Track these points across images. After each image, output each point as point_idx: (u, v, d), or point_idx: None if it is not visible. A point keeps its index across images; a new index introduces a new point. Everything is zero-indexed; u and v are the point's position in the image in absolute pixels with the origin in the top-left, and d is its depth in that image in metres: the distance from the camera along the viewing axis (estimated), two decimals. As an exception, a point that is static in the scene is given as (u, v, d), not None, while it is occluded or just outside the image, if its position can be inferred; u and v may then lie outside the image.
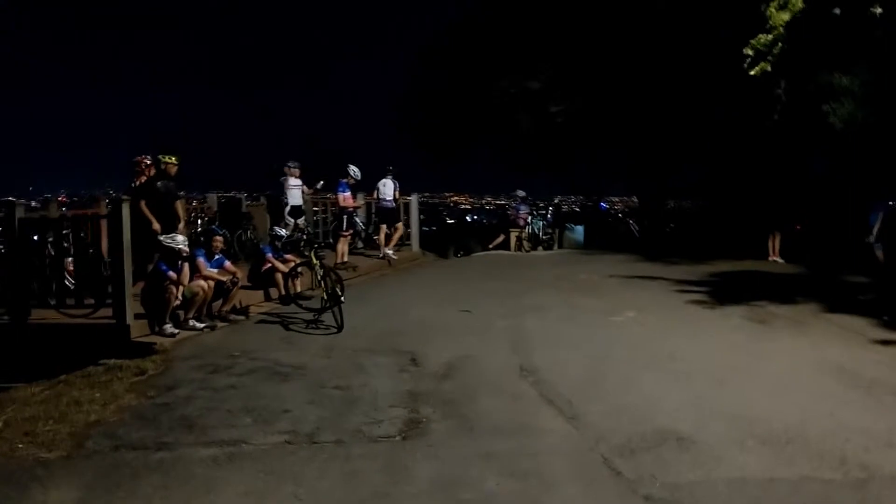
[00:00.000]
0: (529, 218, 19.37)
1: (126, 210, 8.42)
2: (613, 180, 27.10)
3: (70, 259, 9.60)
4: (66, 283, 9.38)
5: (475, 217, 48.88)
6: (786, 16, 10.57)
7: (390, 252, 15.60)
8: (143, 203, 9.58)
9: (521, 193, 19.53)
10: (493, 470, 4.79)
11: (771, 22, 10.65)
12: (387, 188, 15.42)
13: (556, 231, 20.81)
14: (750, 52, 11.14)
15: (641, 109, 19.97)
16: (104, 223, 9.11)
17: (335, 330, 8.97)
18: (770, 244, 16.18)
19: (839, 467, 4.78)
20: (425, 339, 8.60)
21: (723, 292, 11.75)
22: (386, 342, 8.49)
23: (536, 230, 19.47)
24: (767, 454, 4.99)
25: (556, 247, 20.30)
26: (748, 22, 11.43)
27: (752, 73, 11.22)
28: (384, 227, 15.72)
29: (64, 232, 9.48)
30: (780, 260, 16.02)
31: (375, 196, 15.75)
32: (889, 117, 12.68)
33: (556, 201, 31.09)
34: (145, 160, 10.66)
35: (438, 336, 8.77)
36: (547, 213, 22.31)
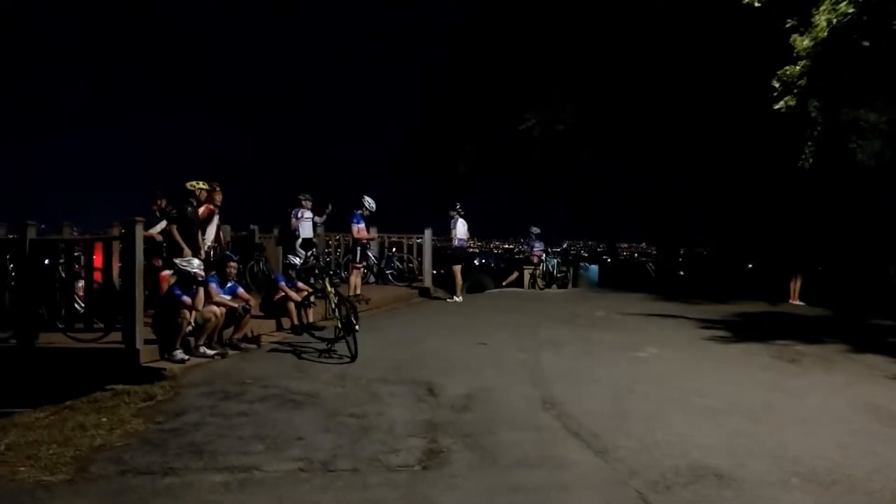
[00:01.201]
0: (544, 255, 19.12)
1: (139, 231, 8.24)
2: (630, 225, 27.08)
3: (81, 283, 9.42)
4: (76, 306, 9.17)
5: (483, 261, 48.40)
6: (808, 41, 10.38)
7: (459, 298, 15.59)
8: (175, 228, 9.58)
9: (535, 230, 19.30)
10: (521, 502, 4.49)
11: (796, 49, 10.47)
12: (462, 227, 15.43)
13: (571, 270, 20.57)
14: (776, 85, 10.98)
15: (665, 152, 19.90)
16: (116, 246, 8.92)
17: (349, 359, 8.71)
18: (791, 286, 15.88)
19: (891, 508, 4.47)
20: (442, 370, 8.33)
21: (746, 332, 11.48)
22: (401, 372, 8.22)
23: (551, 268, 19.20)
24: (814, 493, 4.68)
25: (570, 285, 20.04)
26: (775, 54, 11.24)
27: (776, 107, 11.05)
28: (457, 268, 15.68)
29: (75, 254, 9.29)
30: (800, 303, 15.72)
31: (452, 234, 15.63)
32: None
33: (564, 245, 30.94)
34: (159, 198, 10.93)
35: (455, 368, 8.50)
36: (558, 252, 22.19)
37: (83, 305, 9.26)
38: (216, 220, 11.06)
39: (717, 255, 21.67)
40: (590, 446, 5.62)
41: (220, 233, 11.34)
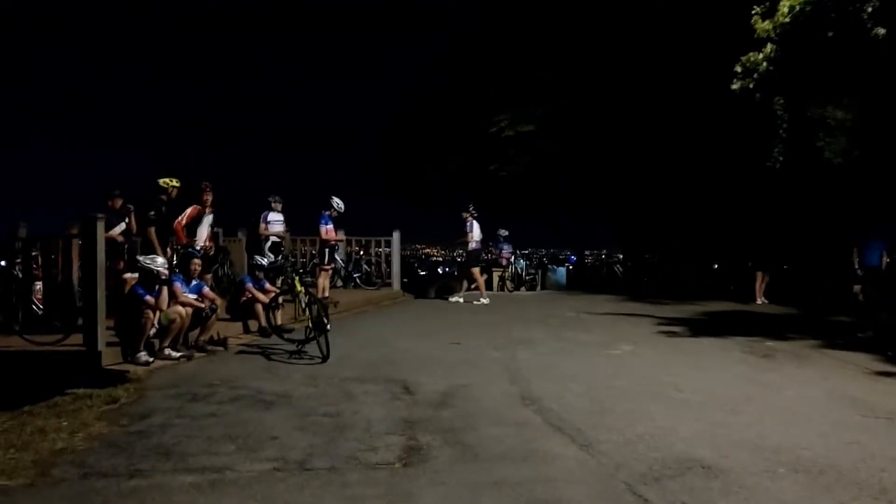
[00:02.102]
0: (512, 258, 19.04)
1: (101, 228, 7.95)
2: (597, 230, 27.17)
3: (38, 285, 9.08)
4: (35, 308, 8.82)
5: (447, 269, 47.96)
6: (768, 25, 10.38)
7: (486, 300, 15.35)
8: (153, 231, 9.50)
9: (503, 233, 19.22)
10: (508, 498, 4.33)
11: (756, 32, 10.46)
12: (477, 229, 15.40)
13: (539, 272, 20.52)
14: (738, 70, 10.96)
15: (630, 155, 19.97)
16: (76, 245, 8.60)
17: (320, 360, 8.49)
18: (756, 286, 15.97)
19: (881, 496, 4.39)
20: (416, 369, 8.16)
21: (716, 330, 11.50)
22: (375, 371, 8.03)
23: (520, 270, 19.14)
24: (802, 484, 4.59)
25: (538, 287, 19.98)
26: (743, 48, 11.22)
27: (733, 87, 11.02)
28: (476, 270, 15.58)
29: (33, 254, 8.95)
30: (764, 301, 15.82)
31: (469, 237, 15.47)
32: (888, 152, 12.53)
33: (526, 252, 30.81)
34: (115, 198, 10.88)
35: (430, 366, 8.33)
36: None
37: (41, 308, 8.91)
38: (207, 220, 10.74)
39: (682, 256, 21.77)
40: (573, 440, 5.49)
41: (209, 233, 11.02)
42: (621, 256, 26.60)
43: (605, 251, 28.12)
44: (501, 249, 19.04)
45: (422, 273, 35.61)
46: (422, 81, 23.92)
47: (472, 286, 15.96)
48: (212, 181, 10.79)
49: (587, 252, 29.38)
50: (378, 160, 26.10)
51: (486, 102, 20.67)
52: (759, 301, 15.87)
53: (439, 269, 46.24)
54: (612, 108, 19.60)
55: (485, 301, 15.27)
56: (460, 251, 19.51)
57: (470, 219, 15.32)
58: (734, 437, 5.60)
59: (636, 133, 19.71)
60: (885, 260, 11.04)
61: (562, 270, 21.11)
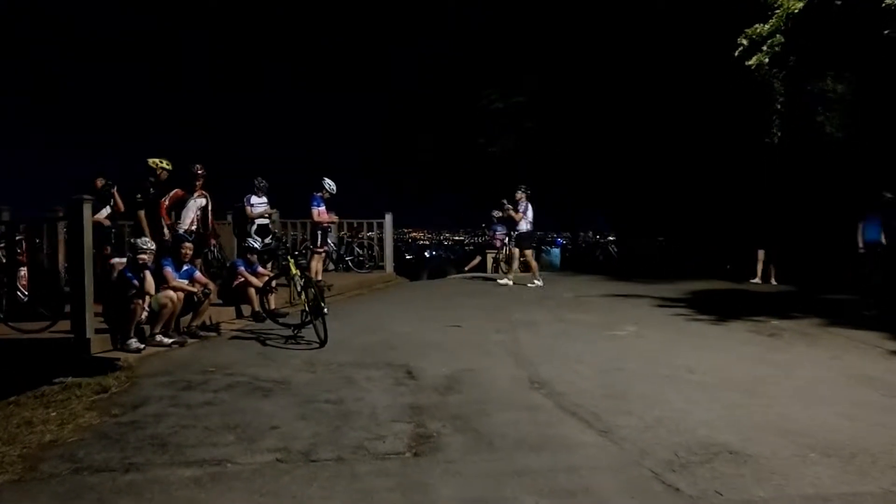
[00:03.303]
0: (506, 239, 18.72)
1: (88, 211, 7.60)
2: (591, 210, 26.85)
3: (23, 271, 8.73)
4: (20, 294, 8.48)
5: (434, 252, 47.79)
6: (800, 3, 10.00)
7: (539, 283, 14.89)
8: (143, 214, 9.36)
9: (497, 214, 18.82)
10: (530, 488, 4.08)
11: (780, 9, 10.10)
12: (531, 210, 14.88)
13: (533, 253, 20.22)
14: (744, 42, 10.66)
15: (624, 131, 19.67)
16: (61, 228, 8.26)
17: (317, 345, 8.21)
18: (758, 264, 15.78)
19: (921, 479, 4.18)
20: (418, 353, 7.89)
21: (718, 309, 11.27)
22: (375, 356, 7.76)
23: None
24: (836, 468, 4.37)
25: (533, 269, 19.68)
26: (747, 13, 10.91)
27: (748, 63, 10.72)
28: (529, 252, 15.09)
29: (17, 238, 8.60)
30: (759, 281, 15.65)
31: (519, 217, 14.92)
32: (887, 126, 12.31)
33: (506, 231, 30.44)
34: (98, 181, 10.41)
35: (432, 350, 8.07)
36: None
37: (27, 294, 8.57)
38: (196, 203, 10.35)
39: (677, 236, 21.58)
40: (591, 426, 5.24)
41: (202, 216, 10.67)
42: (613, 238, 26.37)
43: (599, 232, 27.76)
44: (495, 231, 18.71)
45: (409, 257, 35.24)
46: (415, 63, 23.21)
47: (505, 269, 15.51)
48: (201, 161, 10.44)
49: (581, 233, 29.10)
50: (371, 143, 25.72)
51: (478, 77, 20.31)
52: (755, 280, 15.69)
53: (426, 253, 46.06)
54: (605, 84, 19.29)
55: (539, 283, 14.79)
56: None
57: (524, 199, 14.88)
58: (756, 420, 5.38)
59: (630, 108, 19.41)
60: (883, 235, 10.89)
61: (556, 252, 20.88)
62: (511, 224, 15.60)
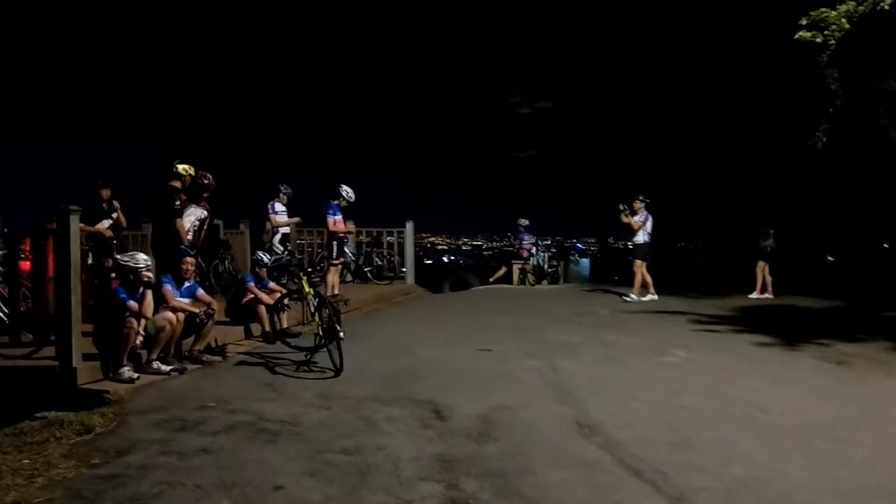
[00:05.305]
0: (534, 249, 17.81)
1: (75, 223, 6.76)
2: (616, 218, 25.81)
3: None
4: (1, 314, 7.67)
5: (452, 258, 47.09)
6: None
7: (654, 296, 13.91)
8: (178, 222, 8.43)
9: (524, 222, 17.96)
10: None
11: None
12: (650, 220, 13.90)
13: (562, 263, 19.30)
14: (804, 22, 9.63)
15: (655, 137, 18.68)
16: (50, 242, 7.42)
17: (332, 373, 7.31)
18: (760, 277, 14.65)
19: None
20: (445, 384, 6.96)
21: (771, 329, 10.28)
22: (397, 389, 6.84)
23: (541, 262, 17.91)
24: None
25: (561, 280, 18.76)
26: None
27: (797, 36, 9.65)
28: (642, 264, 13.96)
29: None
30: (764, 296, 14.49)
31: (637, 226, 13.90)
32: None
33: (548, 241, 29.52)
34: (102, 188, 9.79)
35: (460, 380, 7.14)
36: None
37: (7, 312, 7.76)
38: (195, 213, 9.20)
39: (712, 246, 20.58)
40: (659, 490, 4.31)
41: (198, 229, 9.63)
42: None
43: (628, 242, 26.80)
44: (522, 240, 17.78)
45: (427, 262, 34.54)
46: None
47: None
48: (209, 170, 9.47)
49: (609, 239, 28.01)
50: (387, 146, 24.75)
51: (499, 80, 19.38)
52: (757, 295, 14.50)
53: (444, 258, 45.39)
54: (637, 87, 18.31)
55: (654, 297, 13.85)
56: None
57: (643, 208, 13.91)
58: (861, 481, 4.45)
59: (660, 113, 18.44)
60: None
61: (585, 262, 19.94)
62: (629, 233, 14.61)
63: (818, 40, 9.40)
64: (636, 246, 14.17)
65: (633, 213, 13.85)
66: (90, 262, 9.72)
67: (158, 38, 23.12)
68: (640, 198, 13.89)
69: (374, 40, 20.43)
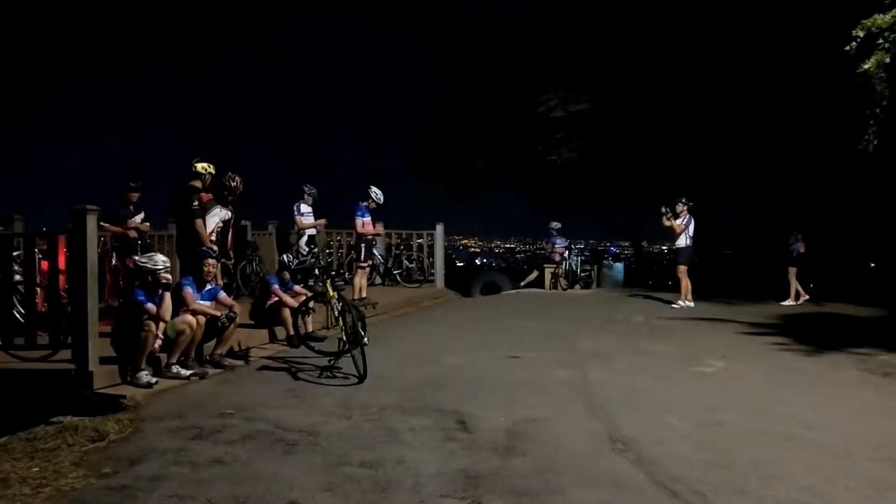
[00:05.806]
0: (566, 252, 17.44)
1: (92, 223, 6.62)
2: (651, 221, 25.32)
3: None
4: (17, 316, 7.54)
5: (484, 261, 46.93)
6: None
7: (690, 303, 13.63)
8: (199, 223, 8.20)
9: (556, 225, 17.59)
10: None
11: None
12: (692, 224, 13.66)
13: (595, 268, 18.91)
14: (860, 34, 9.23)
15: (695, 138, 18.20)
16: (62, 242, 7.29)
17: (356, 380, 7.10)
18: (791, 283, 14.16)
19: None
20: (471, 393, 6.71)
21: (811, 338, 9.86)
22: (421, 397, 6.60)
23: (574, 266, 17.53)
24: None
25: (594, 285, 18.38)
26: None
27: (865, 66, 9.33)
28: (685, 269, 13.67)
29: (15, 254, 7.67)
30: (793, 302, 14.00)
31: (680, 229, 13.59)
32: None
33: (581, 245, 29.06)
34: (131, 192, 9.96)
35: (487, 390, 6.89)
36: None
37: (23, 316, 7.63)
38: (219, 214, 8.81)
39: (750, 251, 20.04)
40: (698, 513, 4.01)
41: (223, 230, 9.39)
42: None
43: (666, 244, 26.27)
44: (554, 244, 17.43)
45: (459, 264, 34.40)
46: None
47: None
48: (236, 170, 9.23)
49: (644, 244, 27.54)
50: (416, 146, 24.54)
51: (531, 82, 19.08)
52: (789, 302, 14.02)
53: (477, 261, 45.22)
54: (670, 90, 17.87)
55: (690, 304, 13.54)
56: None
57: (685, 211, 13.57)
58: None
59: (699, 114, 17.97)
60: None
61: (619, 266, 19.47)
62: (669, 237, 14.33)
63: (886, 60, 9.02)
64: (679, 250, 13.78)
65: (676, 216, 13.48)
66: (114, 262, 9.68)
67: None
68: (683, 200, 13.51)
69: (406, 46, 20.32)
